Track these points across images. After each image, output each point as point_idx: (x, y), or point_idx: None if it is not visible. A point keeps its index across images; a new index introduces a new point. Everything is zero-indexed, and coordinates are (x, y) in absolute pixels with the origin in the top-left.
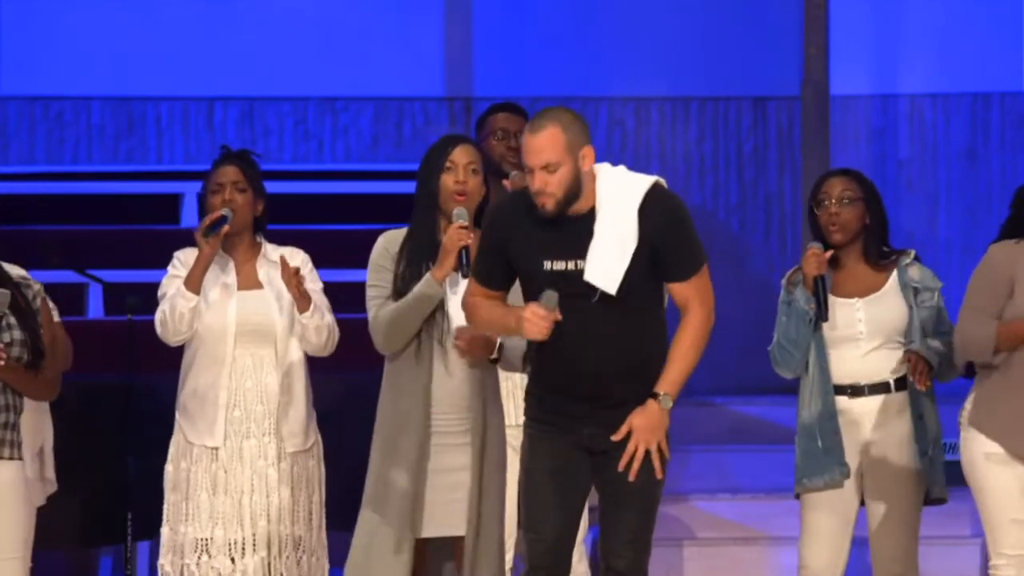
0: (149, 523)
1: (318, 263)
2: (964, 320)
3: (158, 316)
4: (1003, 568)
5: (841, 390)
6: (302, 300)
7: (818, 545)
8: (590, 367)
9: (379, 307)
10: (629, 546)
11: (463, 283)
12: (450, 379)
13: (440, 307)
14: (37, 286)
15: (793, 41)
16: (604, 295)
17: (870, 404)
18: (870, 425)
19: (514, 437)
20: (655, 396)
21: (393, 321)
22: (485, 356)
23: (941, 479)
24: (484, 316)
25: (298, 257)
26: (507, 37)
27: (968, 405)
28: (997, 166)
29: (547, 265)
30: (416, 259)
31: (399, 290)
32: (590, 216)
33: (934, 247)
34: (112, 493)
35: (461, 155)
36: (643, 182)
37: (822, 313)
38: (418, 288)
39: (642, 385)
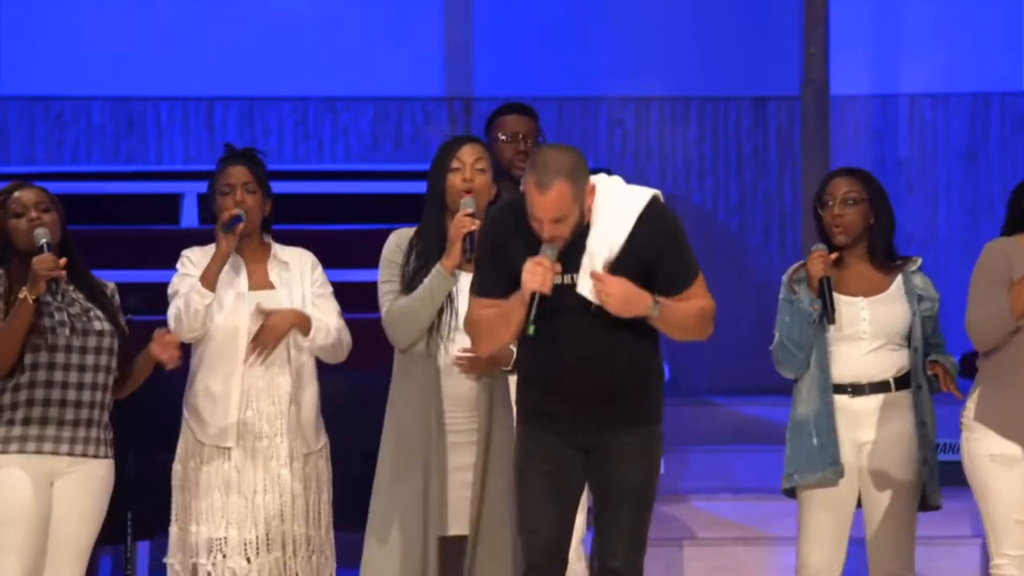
0: (149, 523)
1: None
2: (975, 305)
3: (172, 312)
4: (1005, 567)
5: (841, 389)
6: (303, 327)
7: (816, 544)
8: (582, 381)
9: (392, 301)
10: (624, 545)
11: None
12: (457, 377)
13: (448, 304)
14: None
15: (793, 41)
16: (600, 308)
17: (870, 403)
18: (869, 424)
19: None
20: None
21: (405, 312)
22: (491, 370)
23: (938, 486)
24: (487, 323)
25: (308, 260)
26: (507, 37)
27: (971, 404)
28: (997, 166)
29: None
30: (424, 255)
31: (407, 284)
32: (584, 231)
33: (934, 247)
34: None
35: (468, 154)
36: (640, 196)
37: (829, 315)
38: (428, 279)
39: (634, 401)
